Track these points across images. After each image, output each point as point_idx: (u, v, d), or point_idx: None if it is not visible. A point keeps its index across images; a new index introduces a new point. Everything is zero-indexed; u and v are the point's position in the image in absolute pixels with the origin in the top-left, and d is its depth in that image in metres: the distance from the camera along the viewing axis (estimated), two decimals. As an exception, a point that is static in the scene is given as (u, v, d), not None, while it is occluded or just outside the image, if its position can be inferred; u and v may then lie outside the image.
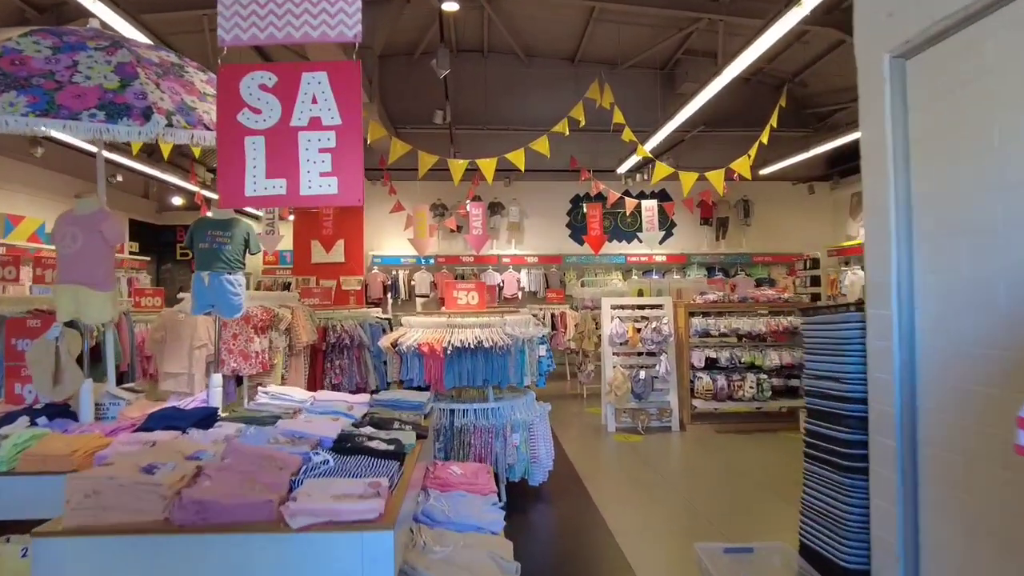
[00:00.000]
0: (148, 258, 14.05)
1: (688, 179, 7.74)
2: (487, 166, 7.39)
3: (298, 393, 3.47)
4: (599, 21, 11.49)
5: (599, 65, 12.48)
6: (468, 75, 12.98)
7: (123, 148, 9.24)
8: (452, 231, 13.35)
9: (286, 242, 14.34)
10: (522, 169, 7.31)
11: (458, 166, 7.38)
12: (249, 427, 2.67)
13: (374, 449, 2.44)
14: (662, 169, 7.78)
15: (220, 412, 3.23)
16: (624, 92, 7.71)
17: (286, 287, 12.96)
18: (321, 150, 2.56)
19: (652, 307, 7.58)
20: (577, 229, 13.91)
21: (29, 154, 9.50)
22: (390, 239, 13.55)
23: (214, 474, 2.07)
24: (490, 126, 12.99)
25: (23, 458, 2.49)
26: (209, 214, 4.11)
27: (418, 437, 2.84)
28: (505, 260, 13.73)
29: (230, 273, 3.83)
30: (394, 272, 13.46)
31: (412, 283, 13.44)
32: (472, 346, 4.59)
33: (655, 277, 12.55)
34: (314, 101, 2.58)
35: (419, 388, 4.74)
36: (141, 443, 2.52)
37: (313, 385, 6.23)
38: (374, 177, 12.78)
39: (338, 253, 12.94)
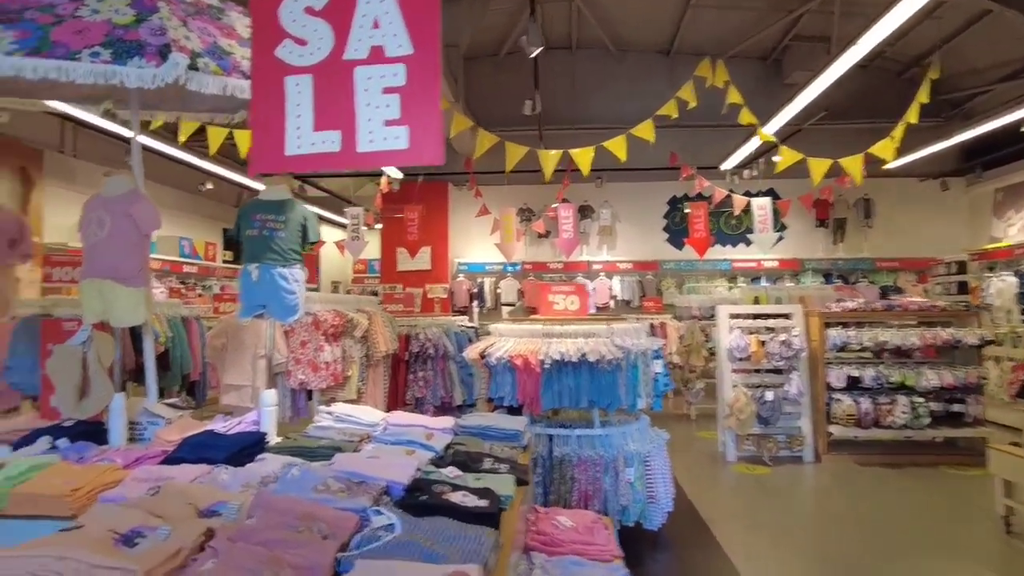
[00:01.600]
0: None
1: (819, 167, 6.58)
2: (582, 157, 6.60)
3: (368, 415, 2.82)
4: (697, 7, 10.54)
5: (696, 57, 11.48)
6: (556, 72, 12.28)
7: (198, 150, 9.11)
8: (540, 236, 12.64)
9: (374, 250, 14.14)
10: (623, 158, 6.45)
11: (549, 158, 6.64)
12: (293, 465, 2.01)
13: (458, 507, 1.70)
14: (789, 155, 6.68)
15: (271, 438, 2.61)
16: (726, 85, 6.71)
17: (374, 295, 12.69)
18: (386, 90, 1.87)
19: (778, 316, 6.49)
20: (675, 232, 12.84)
21: (122, 162, 9.60)
22: (475, 245, 13.02)
23: (224, 548, 1.39)
24: (579, 125, 12.22)
25: (12, 496, 1.93)
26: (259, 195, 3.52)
27: (518, 482, 2.09)
28: (596, 266, 12.84)
29: (284, 266, 3.21)
30: (479, 279, 12.89)
31: (498, 291, 12.83)
32: (575, 360, 3.81)
33: (765, 284, 11.33)
34: (375, 25, 1.89)
35: (510, 408, 4.01)
36: (153, 481, 1.91)
37: (394, 400, 5.66)
38: (459, 181, 12.30)
39: (423, 260, 12.57)
